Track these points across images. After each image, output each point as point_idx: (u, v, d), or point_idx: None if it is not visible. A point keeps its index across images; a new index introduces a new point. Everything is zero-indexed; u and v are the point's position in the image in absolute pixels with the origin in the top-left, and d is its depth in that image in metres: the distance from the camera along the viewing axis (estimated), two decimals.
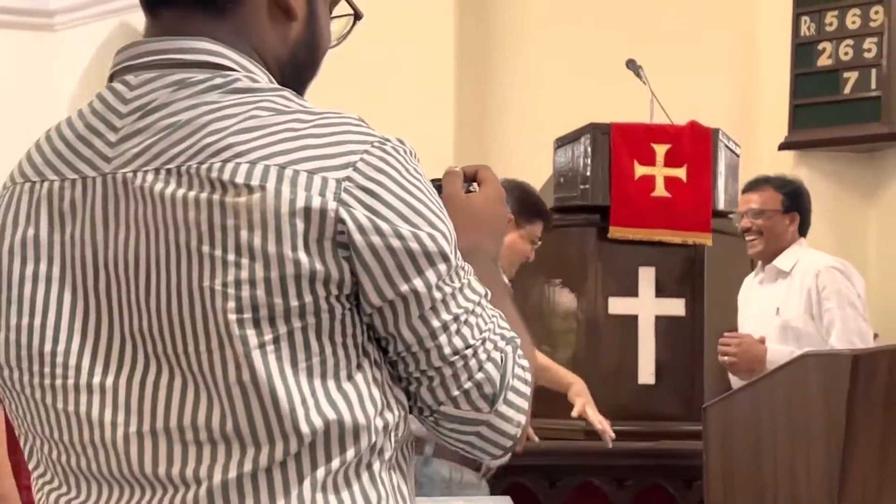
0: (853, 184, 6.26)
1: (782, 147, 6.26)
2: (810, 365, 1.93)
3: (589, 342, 5.30)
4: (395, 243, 1.22)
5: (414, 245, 1.23)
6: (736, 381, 4.73)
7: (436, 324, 1.25)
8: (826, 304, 4.23)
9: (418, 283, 1.23)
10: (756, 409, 2.06)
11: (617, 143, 5.35)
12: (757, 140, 6.35)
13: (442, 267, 1.25)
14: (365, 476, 1.23)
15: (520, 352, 1.32)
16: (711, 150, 5.37)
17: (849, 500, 1.84)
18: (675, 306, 5.39)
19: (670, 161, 5.35)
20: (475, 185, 1.45)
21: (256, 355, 1.19)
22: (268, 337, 1.20)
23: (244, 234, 1.19)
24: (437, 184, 1.47)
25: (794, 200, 4.58)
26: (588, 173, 5.34)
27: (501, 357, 1.29)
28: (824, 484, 1.87)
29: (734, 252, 5.71)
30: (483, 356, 1.27)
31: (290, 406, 1.19)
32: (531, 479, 4.76)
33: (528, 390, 1.32)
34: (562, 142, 5.40)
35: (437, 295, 1.24)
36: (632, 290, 5.36)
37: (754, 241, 4.61)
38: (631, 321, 5.34)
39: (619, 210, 5.31)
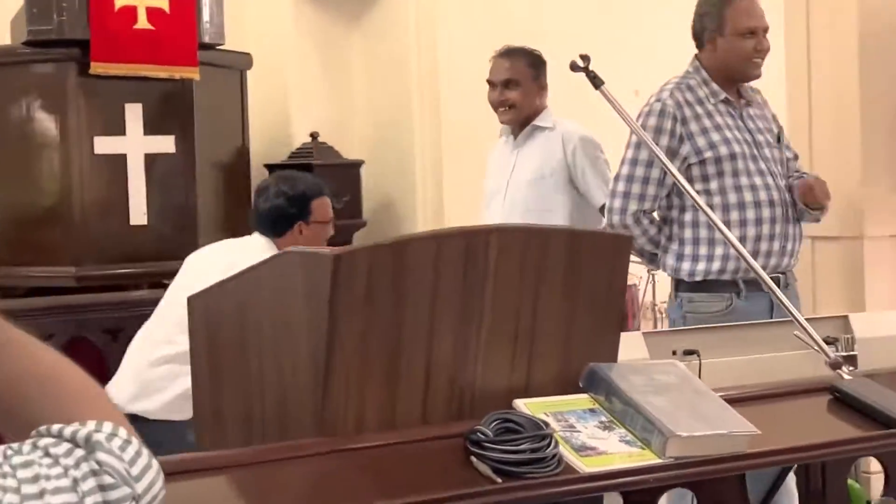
0: (338, 9, 6.30)
1: None
2: (294, 262, 1.90)
3: (75, 183, 5.07)
4: None
5: None
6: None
7: None
8: None
9: None
10: (241, 302, 2.01)
11: None
12: None
13: None
14: None
15: (100, 435, 1.13)
16: None
17: (333, 394, 1.86)
18: (165, 143, 5.26)
19: None
20: None
21: None
22: None
23: None
24: None
25: None
26: (64, 4, 5.00)
27: (92, 469, 1.09)
28: (310, 375, 1.87)
29: (223, 85, 5.63)
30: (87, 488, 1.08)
31: None
32: None
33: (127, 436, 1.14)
34: None
35: None
36: (118, 129, 5.16)
37: None
38: (119, 160, 5.16)
39: (99, 44, 5.03)
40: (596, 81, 2.60)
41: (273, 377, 1.95)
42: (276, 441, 1.91)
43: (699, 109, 3.56)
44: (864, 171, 4.18)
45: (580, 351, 2.08)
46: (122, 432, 1.13)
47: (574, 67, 2.68)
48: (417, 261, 1.90)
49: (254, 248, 3.66)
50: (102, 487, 1.09)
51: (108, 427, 1.13)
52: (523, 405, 1.98)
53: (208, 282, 2.60)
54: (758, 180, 3.53)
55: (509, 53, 4.38)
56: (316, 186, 3.89)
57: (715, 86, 3.57)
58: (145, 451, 1.14)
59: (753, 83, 3.68)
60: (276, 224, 3.80)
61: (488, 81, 4.36)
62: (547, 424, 1.91)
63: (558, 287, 2.04)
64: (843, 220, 4.24)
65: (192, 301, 2.15)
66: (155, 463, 1.15)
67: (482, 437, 1.86)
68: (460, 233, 1.94)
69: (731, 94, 3.59)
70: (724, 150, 3.51)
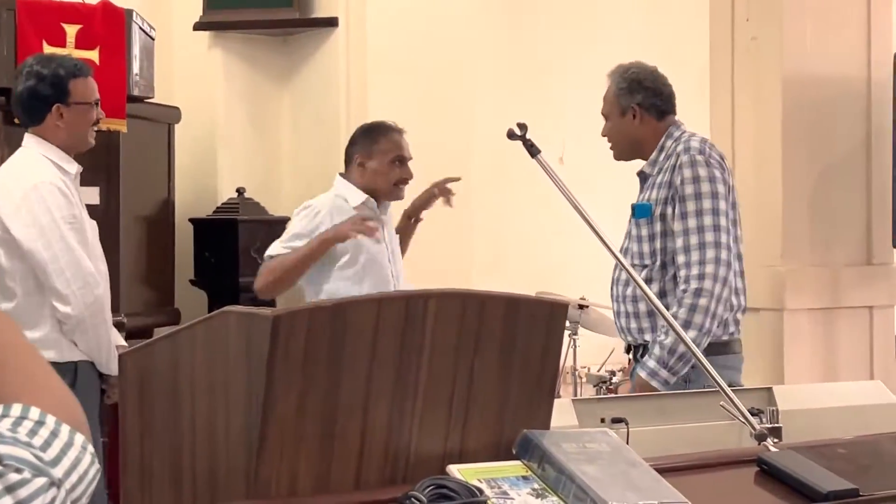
0: (268, 67, 6.32)
1: (197, 27, 6.16)
2: (231, 322, 1.88)
3: None
4: None
5: None
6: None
7: None
8: None
9: None
10: (175, 363, 1.99)
11: (23, 20, 4.99)
12: (171, 20, 6.20)
13: None
14: None
15: (4, 423, 1.01)
16: (125, 31, 5.17)
17: (268, 456, 1.84)
18: (90, 195, 5.19)
19: (82, 42, 5.09)
20: None
21: None
22: None
23: None
24: None
25: None
26: None
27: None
28: (244, 441, 1.85)
29: (151, 137, 5.60)
30: None
31: None
32: None
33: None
34: None
35: None
36: None
37: None
38: None
39: None
40: (532, 150, 2.63)
41: (205, 437, 1.93)
42: (207, 502, 1.89)
43: None
44: (784, 246, 4.27)
45: (514, 417, 2.08)
46: (34, 412, 1.02)
47: (511, 135, 2.71)
48: (357, 323, 1.90)
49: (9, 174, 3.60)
50: (9, 489, 0.97)
51: (15, 410, 1.02)
52: (457, 471, 1.98)
53: None
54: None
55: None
56: (76, 66, 3.69)
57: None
58: (65, 429, 1.02)
59: (682, 145, 3.59)
60: (31, 109, 3.63)
61: (400, 158, 4.27)
62: (481, 491, 1.91)
63: (494, 353, 2.05)
64: (765, 292, 4.32)
65: (124, 358, 2.13)
66: (79, 438, 1.03)
67: (416, 502, 1.85)
68: (400, 296, 1.95)
69: (647, 165, 3.67)
70: None
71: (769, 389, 2.84)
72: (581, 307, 5.95)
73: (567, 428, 2.44)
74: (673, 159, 3.55)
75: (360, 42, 6.07)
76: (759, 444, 2.39)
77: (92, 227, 3.71)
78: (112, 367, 3.66)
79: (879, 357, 4.46)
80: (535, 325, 2.09)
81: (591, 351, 5.68)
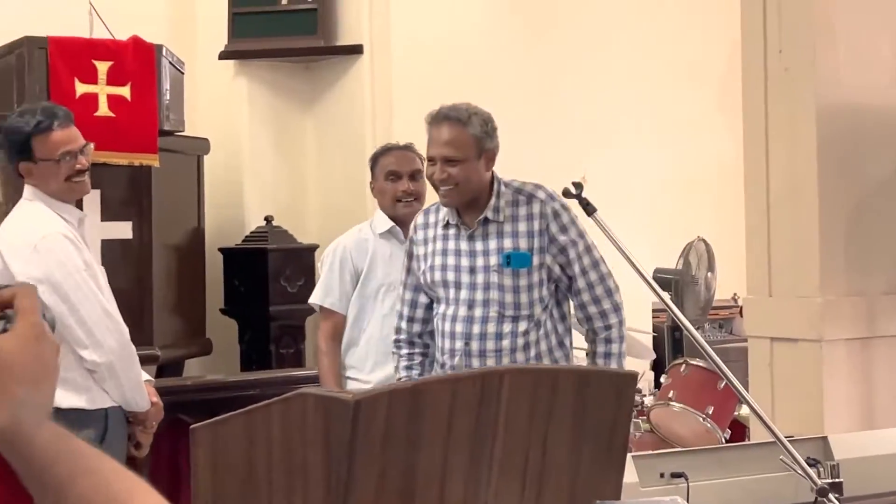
0: (291, 94, 6.34)
1: (222, 56, 6.19)
2: (309, 405, 1.90)
3: None
4: None
5: None
6: None
7: None
8: None
9: None
10: (251, 441, 2.00)
11: (55, 59, 5.03)
12: (196, 50, 6.22)
13: None
14: None
15: None
16: (156, 67, 5.20)
17: None
18: (123, 229, 5.24)
19: (113, 79, 5.13)
20: (10, 311, 1.05)
21: None
22: None
23: None
24: None
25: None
26: (24, 91, 4.99)
27: None
28: None
29: (181, 170, 5.63)
30: None
31: None
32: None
33: None
34: None
35: None
36: None
37: None
38: None
39: None
40: (588, 209, 2.65)
41: None
42: None
43: (430, 233, 3.51)
44: (822, 276, 4.27)
45: (586, 487, 2.10)
46: None
47: (567, 194, 2.72)
48: (434, 403, 1.91)
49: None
50: None
51: None
52: None
53: None
54: (450, 310, 3.39)
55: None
56: (39, 122, 3.54)
57: (444, 210, 3.47)
58: None
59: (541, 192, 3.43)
60: (9, 163, 3.60)
61: (394, 173, 4.12)
62: None
63: (566, 426, 2.06)
64: (802, 323, 4.32)
65: (197, 431, 2.14)
66: None
67: None
68: (476, 374, 1.97)
69: (466, 218, 3.43)
70: (427, 277, 3.46)
71: (824, 438, 2.85)
72: None
73: (627, 484, 2.45)
74: (534, 207, 3.38)
75: (385, 69, 6.09)
76: (819, 498, 2.41)
77: (102, 273, 3.64)
78: (141, 404, 3.63)
79: None
80: (605, 396, 2.11)
81: None
